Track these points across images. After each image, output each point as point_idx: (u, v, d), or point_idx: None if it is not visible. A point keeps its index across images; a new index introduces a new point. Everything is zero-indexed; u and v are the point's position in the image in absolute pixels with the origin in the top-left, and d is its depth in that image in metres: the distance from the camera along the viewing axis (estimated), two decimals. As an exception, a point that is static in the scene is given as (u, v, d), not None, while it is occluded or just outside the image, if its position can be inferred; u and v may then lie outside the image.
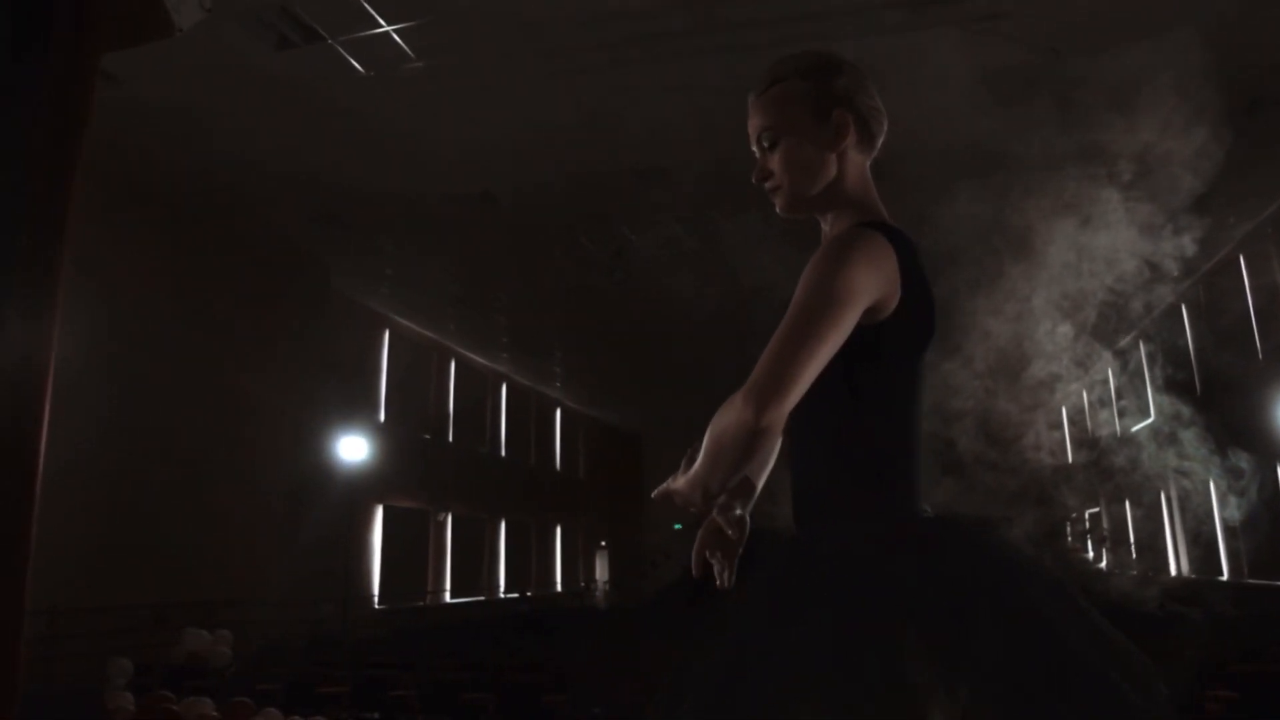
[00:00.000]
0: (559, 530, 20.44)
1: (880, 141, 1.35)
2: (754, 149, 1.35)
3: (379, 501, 13.02)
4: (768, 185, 1.33)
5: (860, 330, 1.11)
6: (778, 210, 1.36)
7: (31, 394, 2.46)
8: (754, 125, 1.33)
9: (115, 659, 6.09)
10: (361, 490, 12.12)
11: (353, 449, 11.46)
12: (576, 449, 22.18)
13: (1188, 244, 6.63)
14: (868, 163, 1.34)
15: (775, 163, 1.31)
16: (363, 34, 6.36)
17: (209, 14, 3.50)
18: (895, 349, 1.17)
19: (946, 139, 6.74)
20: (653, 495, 1.22)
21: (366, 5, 6.03)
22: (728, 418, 1.09)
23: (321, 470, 11.23)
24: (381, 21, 6.21)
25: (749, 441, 1.07)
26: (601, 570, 23.24)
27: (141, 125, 7.53)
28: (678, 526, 20.43)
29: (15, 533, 2.38)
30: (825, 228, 1.35)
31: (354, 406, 12.17)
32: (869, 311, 1.13)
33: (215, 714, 3.78)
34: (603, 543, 23.37)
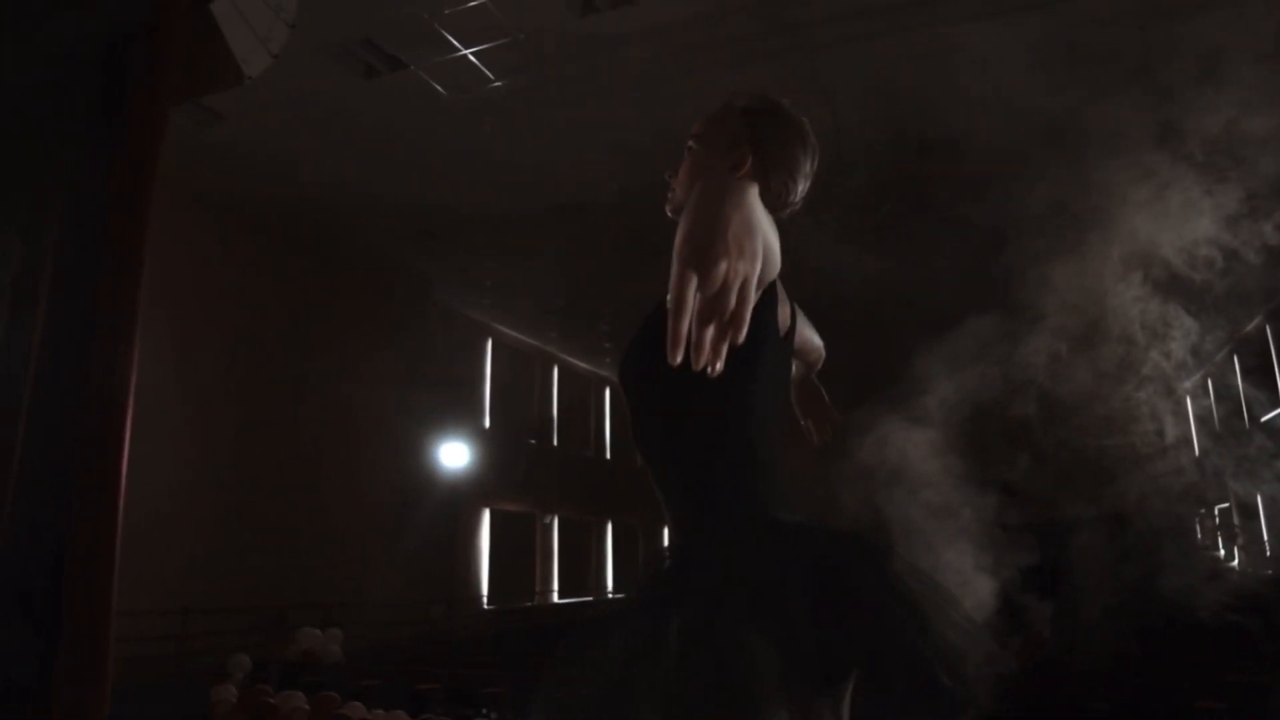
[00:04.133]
0: (666, 531, 20.60)
1: (781, 201, 1.39)
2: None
3: (485, 505, 13.44)
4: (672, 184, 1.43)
5: None
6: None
7: (114, 413, 2.73)
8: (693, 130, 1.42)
9: (236, 655, 6.55)
10: (468, 495, 12.56)
11: (457, 455, 11.90)
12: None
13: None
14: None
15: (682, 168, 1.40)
16: (442, 59, 6.65)
17: (276, 59, 3.75)
18: (734, 360, 1.21)
19: (1033, 117, 6.56)
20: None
21: (444, 31, 6.30)
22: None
23: (429, 476, 11.70)
24: (459, 46, 6.48)
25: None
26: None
27: (244, 156, 8.05)
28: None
29: (101, 542, 2.65)
30: None
31: (459, 413, 12.61)
32: None
33: (306, 706, 4.08)
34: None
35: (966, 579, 4.06)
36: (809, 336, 1.64)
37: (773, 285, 1.30)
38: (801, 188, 1.41)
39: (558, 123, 7.67)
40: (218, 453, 8.63)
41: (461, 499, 12.37)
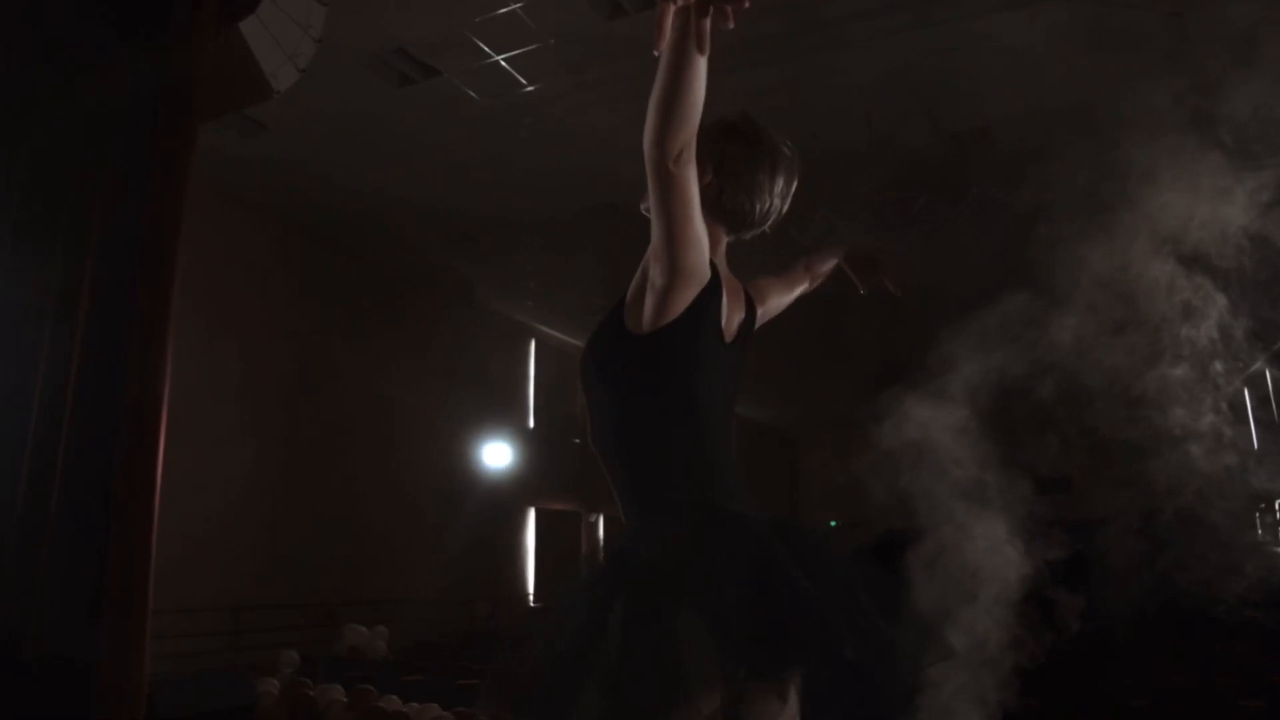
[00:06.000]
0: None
1: (739, 219, 1.45)
2: None
3: (531, 505, 13.59)
4: None
5: (639, 341, 1.24)
6: None
7: (149, 414, 2.85)
8: None
9: (285, 651, 6.74)
10: (513, 494, 12.71)
11: (502, 455, 12.06)
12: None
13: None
14: (720, 227, 1.45)
15: None
16: (475, 65, 6.76)
17: (304, 73, 3.86)
18: (674, 358, 1.29)
19: (1066, 104, 6.47)
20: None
21: (475, 38, 6.42)
22: None
23: (475, 476, 11.88)
24: (490, 52, 6.59)
25: None
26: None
27: (288, 165, 8.26)
28: (833, 524, 20.16)
29: (139, 533, 2.77)
30: None
31: (503, 414, 12.77)
32: (661, 308, 1.26)
33: (344, 699, 4.21)
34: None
35: (995, 568, 4.03)
36: (783, 303, 1.72)
37: (716, 292, 1.36)
38: (762, 207, 1.47)
39: (590, 125, 7.75)
40: (270, 455, 8.86)
41: (507, 498, 12.53)
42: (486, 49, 6.54)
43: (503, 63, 6.73)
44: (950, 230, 7.65)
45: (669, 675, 1.02)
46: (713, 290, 1.36)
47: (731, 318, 1.43)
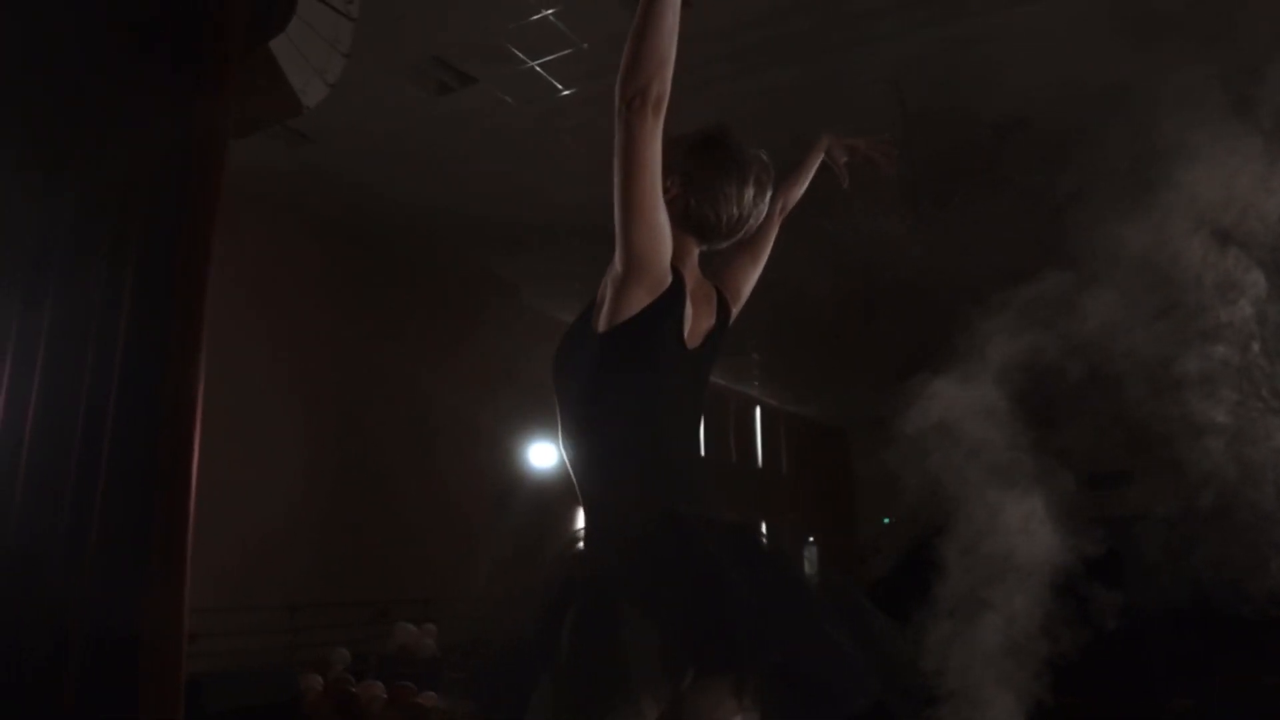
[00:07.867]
0: (763, 528, 20.46)
1: (705, 229, 1.48)
2: None
3: (578, 504, 13.65)
4: None
5: (600, 339, 1.28)
6: None
7: (185, 420, 2.98)
8: None
9: (336, 649, 6.92)
10: (560, 494, 12.79)
11: (548, 455, 12.15)
12: (778, 446, 22.15)
13: None
14: (690, 238, 1.48)
15: None
16: (511, 72, 6.87)
17: (332, 89, 3.98)
18: (631, 357, 1.32)
19: (1107, 89, 6.35)
20: None
21: (509, 45, 6.52)
22: None
23: (523, 477, 12.00)
24: (525, 58, 6.69)
25: None
26: (810, 567, 22.92)
27: (331, 174, 8.47)
28: (886, 520, 19.94)
29: (175, 541, 2.90)
30: None
31: (550, 414, 12.85)
32: (617, 305, 1.29)
33: (384, 695, 4.33)
34: (810, 539, 23.12)
35: (1028, 563, 3.99)
36: (757, 273, 1.74)
37: (679, 296, 1.39)
38: (729, 218, 1.49)
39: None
40: (325, 460, 9.08)
41: (554, 498, 12.62)
42: (521, 55, 6.64)
43: (538, 68, 6.82)
44: (991, 220, 7.55)
45: (613, 675, 1.06)
46: (675, 294, 1.39)
47: (698, 324, 1.46)
